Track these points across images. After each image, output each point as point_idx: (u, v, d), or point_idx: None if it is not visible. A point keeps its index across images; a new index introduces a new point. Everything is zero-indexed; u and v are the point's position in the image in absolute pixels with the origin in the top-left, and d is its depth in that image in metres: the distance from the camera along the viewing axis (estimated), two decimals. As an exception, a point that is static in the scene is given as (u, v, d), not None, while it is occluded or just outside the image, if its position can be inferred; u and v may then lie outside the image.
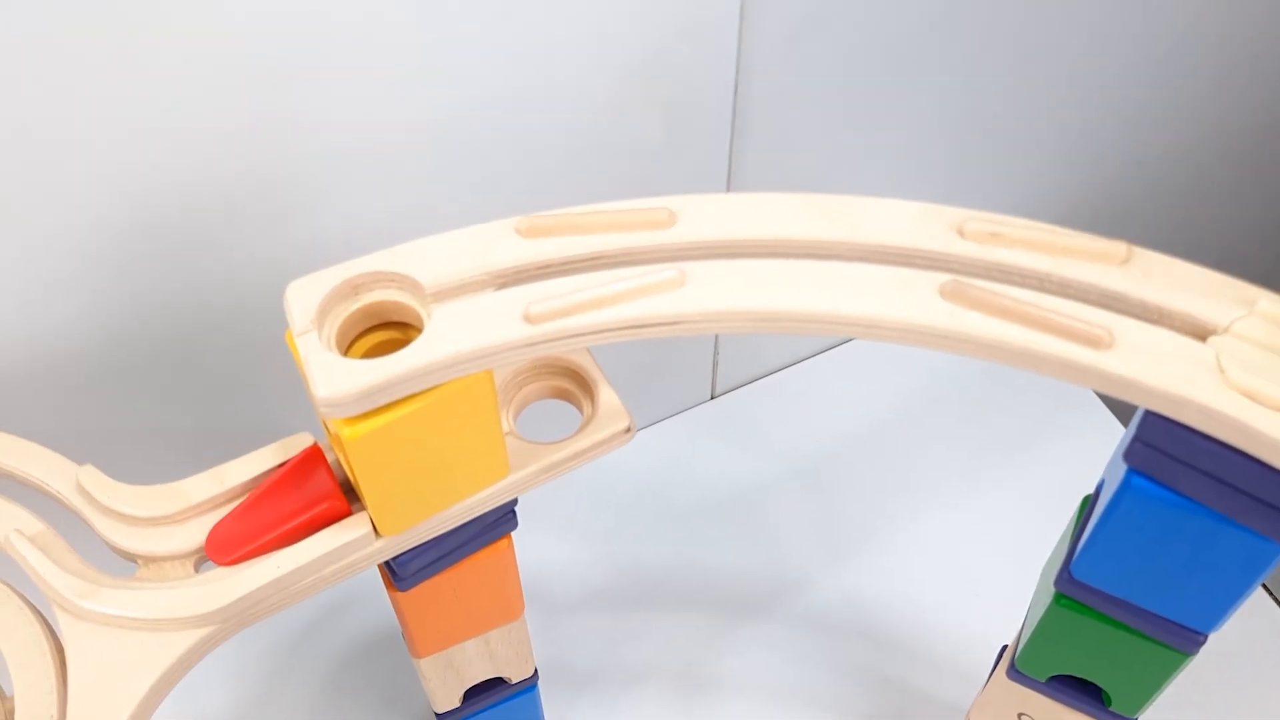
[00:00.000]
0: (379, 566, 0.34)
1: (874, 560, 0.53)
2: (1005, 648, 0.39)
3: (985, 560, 0.53)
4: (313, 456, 0.31)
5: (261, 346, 0.40)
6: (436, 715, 0.42)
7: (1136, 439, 0.25)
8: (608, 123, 0.42)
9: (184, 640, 0.29)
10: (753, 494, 0.56)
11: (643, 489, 0.56)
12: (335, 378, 0.26)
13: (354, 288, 0.28)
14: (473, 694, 0.42)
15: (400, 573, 0.32)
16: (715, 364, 0.57)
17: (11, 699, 0.29)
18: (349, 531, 0.30)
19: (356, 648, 0.51)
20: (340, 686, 0.50)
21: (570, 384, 0.34)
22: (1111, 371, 0.25)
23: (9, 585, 0.31)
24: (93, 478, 0.31)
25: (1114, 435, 0.57)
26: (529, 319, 0.27)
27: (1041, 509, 0.54)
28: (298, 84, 0.35)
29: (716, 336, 0.56)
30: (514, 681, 0.42)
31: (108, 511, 0.31)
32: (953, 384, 0.60)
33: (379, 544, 0.30)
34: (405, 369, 0.26)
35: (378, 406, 0.27)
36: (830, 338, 0.60)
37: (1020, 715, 0.38)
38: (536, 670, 0.42)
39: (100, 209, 0.35)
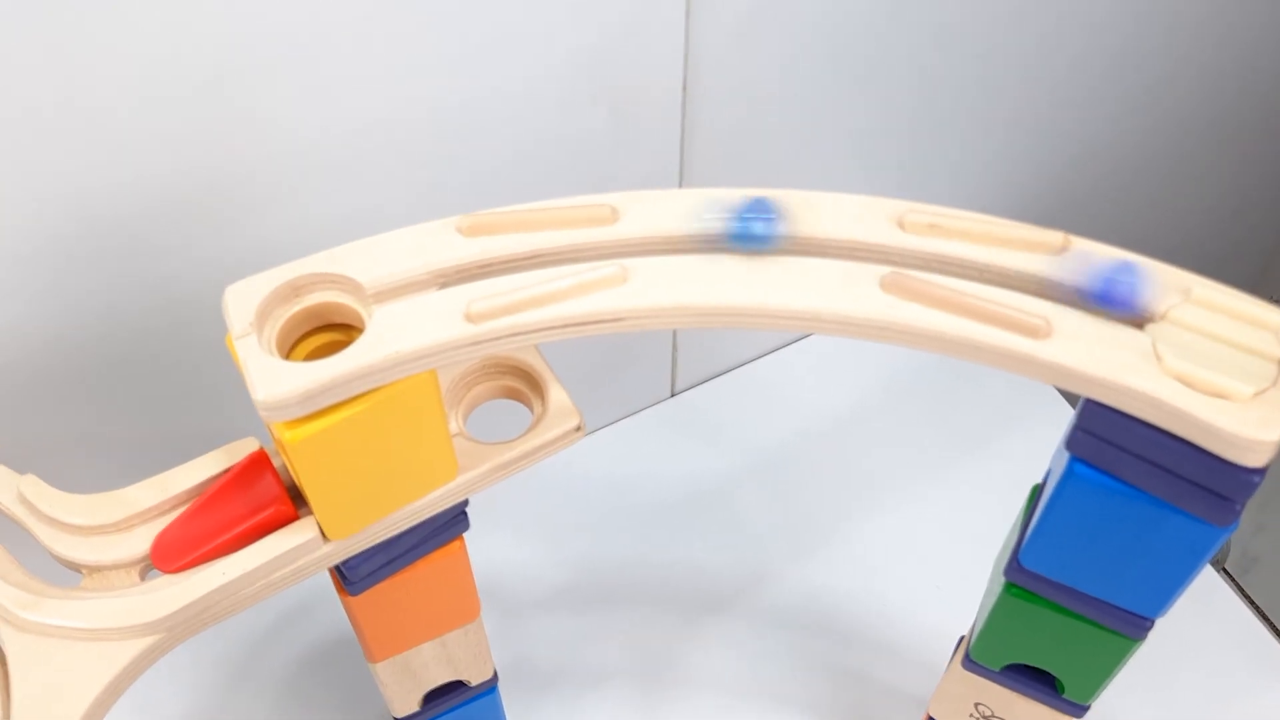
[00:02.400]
0: (329, 571, 0.33)
1: (836, 555, 0.54)
2: (962, 639, 0.39)
3: (946, 553, 0.53)
4: (258, 461, 0.31)
5: (205, 350, 0.40)
6: (397, 720, 0.42)
7: (1077, 427, 0.26)
8: (556, 121, 0.42)
9: (129, 650, 0.29)
10: (714, 491, 0.56)
11: (603, 487, 0.56)
12: (274, 380, 0.26)
13: (295, 290, 0.28)
14: (432, 698, 0.41)
15: (350, 577, 0.32)
16: (674, 361, 0.57)
17: (-47, 713, 0.29)
18: (296, 536, 0.30)
19: (314, 653, 0.50)
20: (298, 692, 0.49)
21: (520, 383, 0.34)
22: (1049, 360, 0.25)
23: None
24: (34, 487, 0.30)
25: (1071, 425, 0.58)
26: (471, 318, 0.27)
27: (1001, 501, 0.54)
28: (240, 85, 0.35)
29: (675, 333, 0.56)
30: (474, 684, 0.42)
31: (50, 521, 0.30)
32: (913, 379, 0.60)
33: (327, 548, 0.30)
34: (345, 370, 0.26)
35: (320, 409, 0.27)
36: (790, 333, 0.60)
37: (977, 705, 0.38)
38: (496, 672, 0.42)
39: (36, 210, 0.34)
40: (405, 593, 0.34)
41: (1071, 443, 0.26)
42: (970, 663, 0.36)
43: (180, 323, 0.39)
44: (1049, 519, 0.28)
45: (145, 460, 0.33)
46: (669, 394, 0.59)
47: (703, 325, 0.27)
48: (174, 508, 0.31)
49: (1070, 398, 0.59)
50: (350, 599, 0.33)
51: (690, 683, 0.50)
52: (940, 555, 0.53)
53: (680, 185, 0.48)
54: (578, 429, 0.33)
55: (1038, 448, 0.56)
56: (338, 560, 0.31)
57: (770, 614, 0.52)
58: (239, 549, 0.30)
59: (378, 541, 0.31)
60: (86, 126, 0.33)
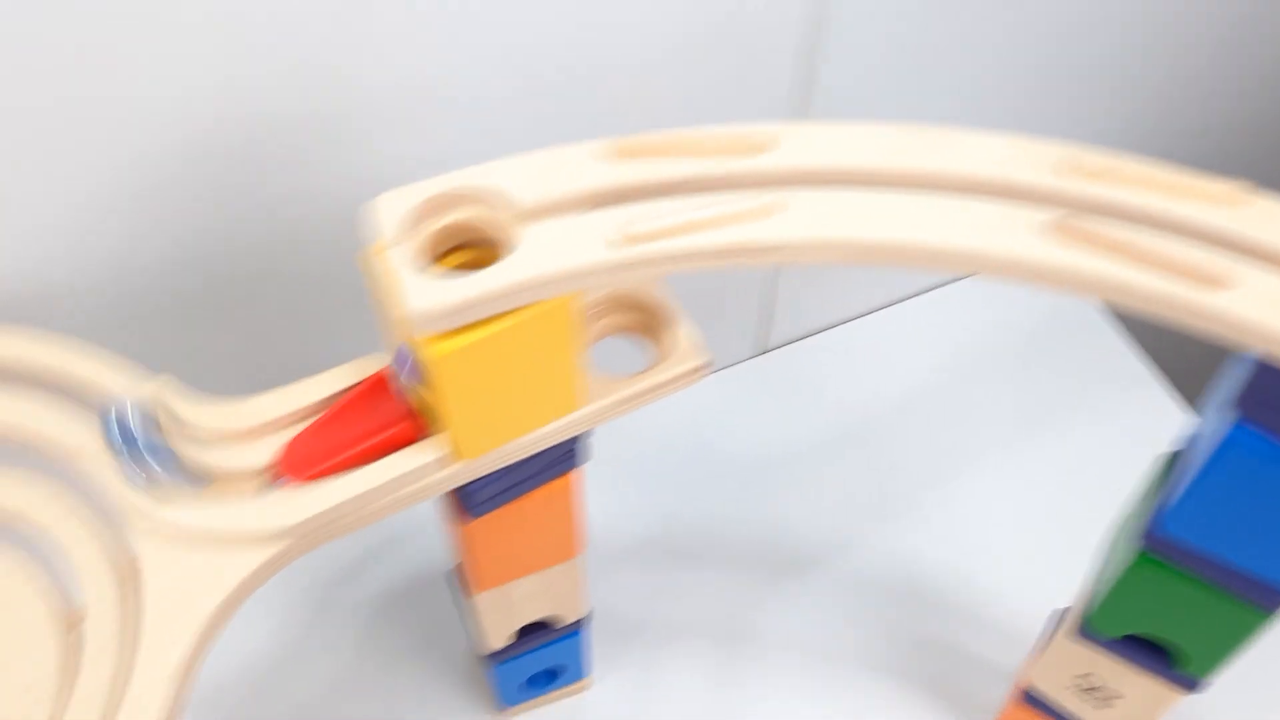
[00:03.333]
0: (446, 496, 0.33)
1: (921, 523, 0.53)
2: (1065, 610, 0.39)
3: (1033, 526, 0.52)
4: (385, 379, 0.30)
5: (328, 273, 0.40)
6: (485, 655, 0.42)
7: (1250, 388, 0.25)
8: (683, 55, 0.41)
9: (257, 556, 0.29)
10: (799, 451, 0.55)
11: (688, 442, 0.55)
12: (427, 291, 0.25)
13: (442, 204, 0.27)
14: (523, 633, 0.41)
15: (471, 500, 0.32)
16: (765, 318, 0.56)
17: (82, 609, 0.29)
18: (425, 454, 0.29)
19: (398, 589, 0.50)
20: (381, 627, 0.49)
21: (643, 320, 0.34)
22: (1230, 313, 0.24)
23: (78, 497, 0.31)
24: (167, 391, 0.30)
25: (1163, 408, 0.56)
26: (624, 240, 0.26)
27: (1087, 475, 0.54)
28: (364, 12, 0.34)
29: (771, 288, 0.55)
30: (566, 622, 0.42)
31: (181, 424, 0.30)
32: (1004, 350, 0.59)
33: (454, 468, 0.30)
34: (497, 286, 0.25)
35: (464, 325, 0.26)
36: (883, 296, 0.60)
37: (1085, 676, 0.37)
38: (589, 613, 0.42)
39: (167, 135, 0.34)
40: (518, 522, 0.34)
41: (1243, 403, 0.25)
42: (1086, 632, 0.35)
43: (300, 246, 0.39)
44: (1202, 485, 0.27)
45: (261, 377, 0.33)
46: (758, 351, 0.58)
47: (858, 262, 0.26)
48: (301, 419, 0.31)
49: (1161, 374, 0.57)
50: (465, 525, 0.33)
51: (769, 642, 0.50)
52: (1027, 527, 0.52)
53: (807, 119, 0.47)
54: (703, 367, 0.32)
55: (1124, 422, 0.55)
56: (462, 481, 0.31)
57: (854, 578, 0.51)
58: (366, 463, 0.30)
59: (501, 466, 0.31)
60: (225, 40, 0.33)
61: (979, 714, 0.47)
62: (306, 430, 0.30)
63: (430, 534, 0.49)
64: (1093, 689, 0.38)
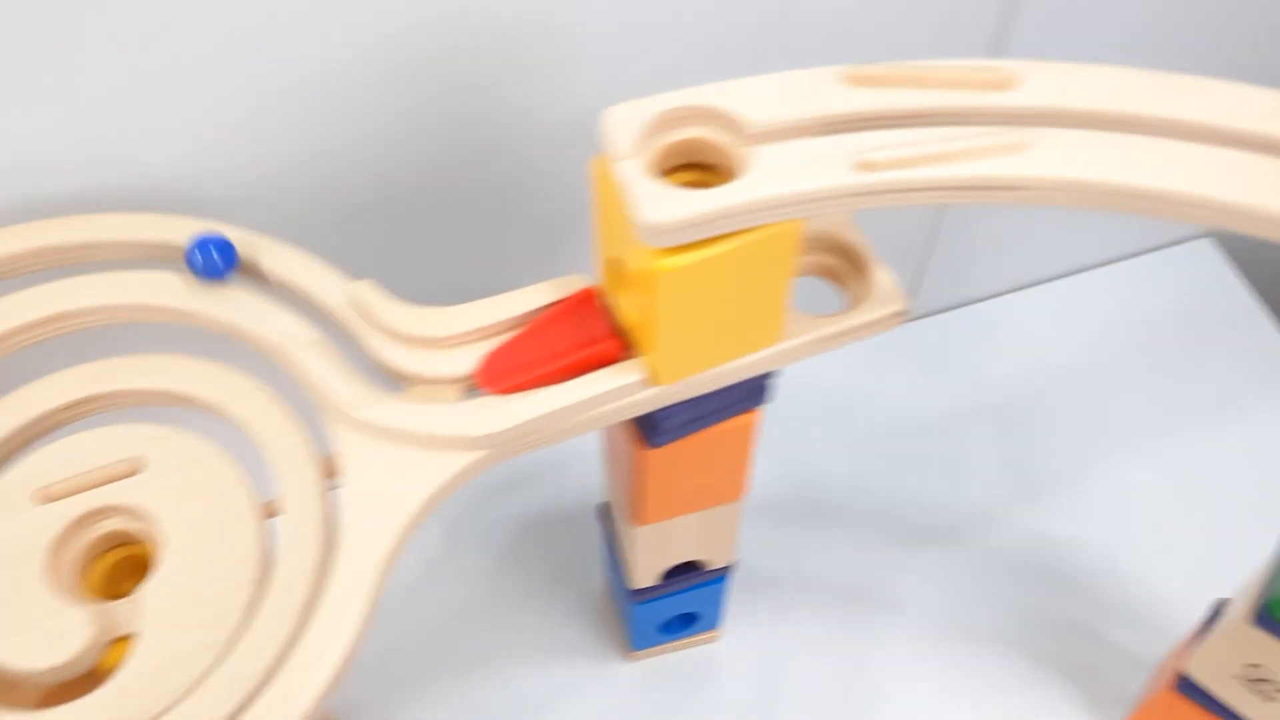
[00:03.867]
0: (625, 425, 0.33)
1: (1064, 505, 0.52)
2: (1226, 600, 0.37)
3: (1178, 516, 0.51)
4: (589, 297, 0.30)
5: (538, 187, 0.40)
6: (628, 594, 0.42)
7: None
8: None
9: (455, 461, 0.29)
10: (943, 423, 0.54)
11: (830, 403, 0.55)
12: (662, 204, 0.25)
13: (674, 120, 0.27)
14: (669, 575, 0.41)
15: (656, 428, 0.32)
16: (914, 287, 0.55)
17: (273, 502, 0.29)
18: (625, 375, 0.29)
19: (536, 521, 0.51)
20: (517, 558, 0.50)
21: (841, 262, 0.33)
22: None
23: (273, 392, 0.31)
24: (369, 293, 0.31)
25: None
26: (859, 167, 0.26)
27: (1239, 469, 0.52)
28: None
29: (925, 258, 0.54)
30: (714, 567, 0.41)
31: (382, 328, 0.30)
32: (1154, 334, 0.57)
33: (650, 392, 0.30)
34: (735, 203, 0.25)
35: (690, 243, 0.26)
36: (1033, 274, 0.58)
37: (1252, 666, 0.36)
38: (736, 561, 0.42)
39: (387, 37, 0.34)
40: (694, 457, 0.34)
41: None
42: (1266, 620, 0.34)
43: (513, 156, 0.39)
44: None
45: (461, 293, 0.33)
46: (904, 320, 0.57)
47: (1107, 207, 0.25)
48: (501, 331, 0.31)
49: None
50: (643, 455, 0.33)
51: (902, 609, 0.49)
52: (1172, 517, 0.51)
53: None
54: (900, 313, 0.32)
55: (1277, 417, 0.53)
56: (657, 406, 0.30)
57: (991, 554, 0.50)
58: (563, 381, 0.30)
59: (695, 395, 0.31)
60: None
61: (1112, 702, 0.46)
62: (506, 343, 0.30)
63: (575, 469, 0.49)
64: (1262, 680, 0.37)
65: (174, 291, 0.31)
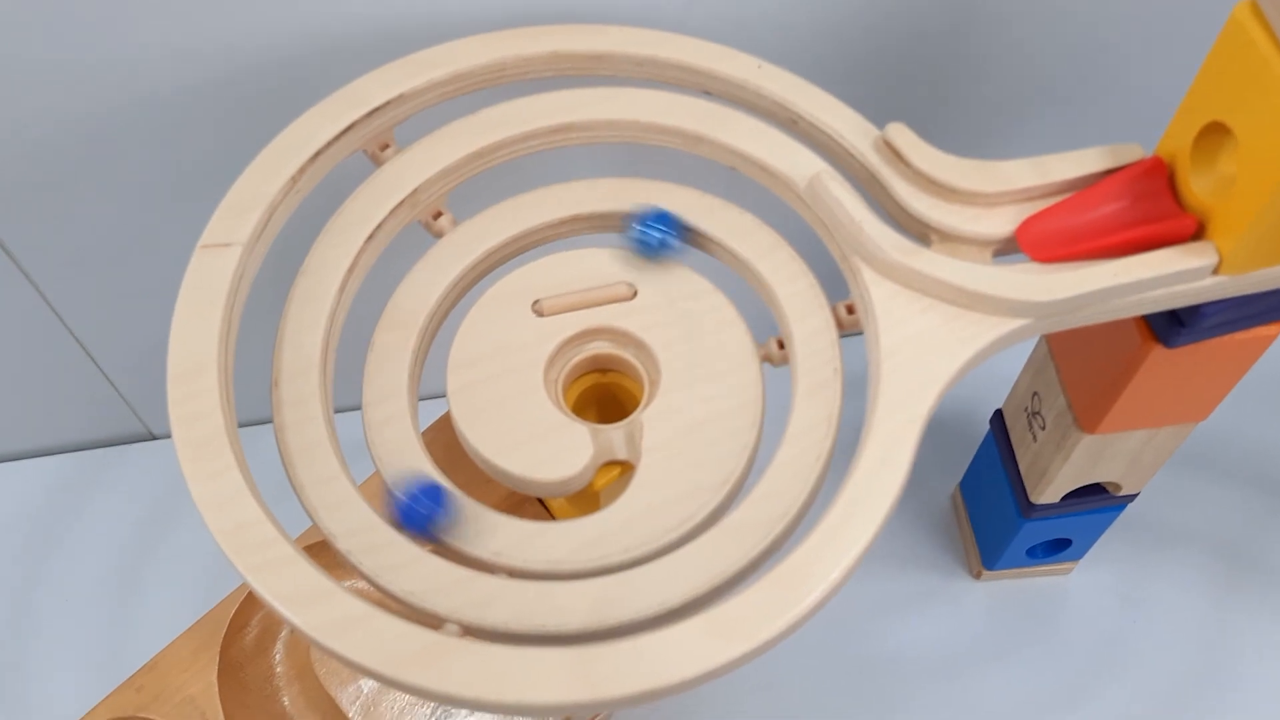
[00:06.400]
0: (1133, 320, 0.30)
1: None
2: None
3: None
4: (1155, 169, 0.27)
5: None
6: (1022, 506, 0.39)
7: None
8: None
9: (996, 327, 0.26)
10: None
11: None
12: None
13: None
14: (1069, 495, 0.38)
15: (1192, 324, 0.29)
16: None
17: (766, 346, 0.28)
18: (1194, 258, 0.26)
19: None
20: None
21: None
22: None
23: (779, 234, 0.29)
24: (904, 136, 0.28)
25: None
26: None
27: None
28: None
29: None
30: (1125, 493, 0.38)
31: (914, 175, 0.28)
32: None
33: (1216, 280, 0.27)
34: None
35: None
36: None
37: None
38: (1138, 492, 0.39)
39: None
40: (1197, 363, 0.31)
41: None
42: None
43: None
44: None
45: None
46: None
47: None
48: (1047, 195, 0.28)
49: None
50: (1150, 352, 0.30)
51: (1273, 573, 0.45)
52: None
53: None
54: None
55: None
56: (1213, 297, 0.27)
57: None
58: (1115, 256, 0.27)
59: (1255, 291, 0.27)
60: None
61: None
62: (1051, 209, 0.27)
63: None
64: None
65: (691, 113, 0.29)
